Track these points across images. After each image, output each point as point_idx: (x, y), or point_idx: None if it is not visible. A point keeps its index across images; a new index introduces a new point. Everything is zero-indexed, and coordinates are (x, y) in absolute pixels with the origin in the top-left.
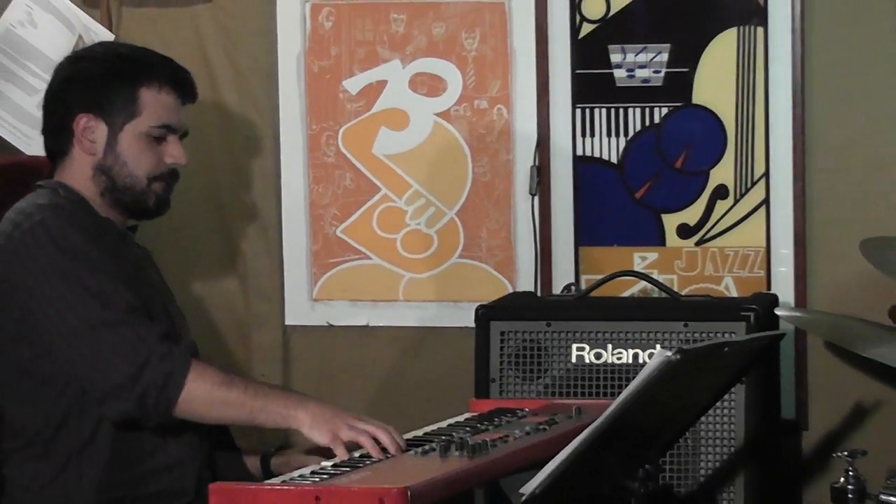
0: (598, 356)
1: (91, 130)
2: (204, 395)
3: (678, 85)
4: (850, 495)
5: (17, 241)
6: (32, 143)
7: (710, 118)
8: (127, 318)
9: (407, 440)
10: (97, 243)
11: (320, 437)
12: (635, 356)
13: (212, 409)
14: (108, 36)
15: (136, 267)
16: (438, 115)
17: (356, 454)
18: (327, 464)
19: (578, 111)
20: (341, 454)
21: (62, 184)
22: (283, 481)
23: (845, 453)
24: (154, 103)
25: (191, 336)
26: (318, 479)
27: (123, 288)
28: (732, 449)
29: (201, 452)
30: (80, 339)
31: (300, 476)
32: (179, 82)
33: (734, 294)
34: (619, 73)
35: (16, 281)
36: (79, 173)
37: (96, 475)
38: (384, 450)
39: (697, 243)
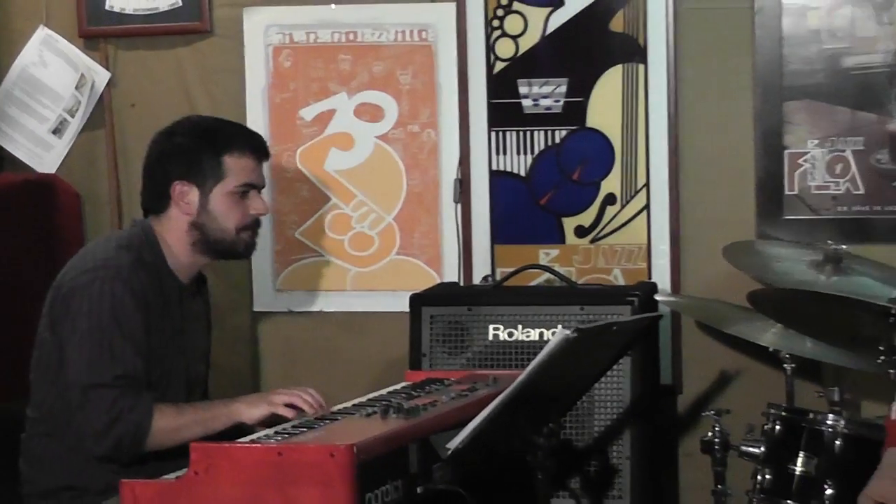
0: (510, 335)
1: (186, 194)
2: (167, 428)
3: (574, 112)
4: (716, 447)
5: (80, 288)
6: (43, 163)
7: (600, 139)
8: (114, 383)
9: (353, 405)
10: (146, 305)
11: (260, 412)
12: (541, 334)
13: (176, 435)
14: (105, 74)
15: (174, 331)
16: (378, 137)
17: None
18: (288, 425)
19: (493, 133)
20: (285, 412)
21: (149, 233)
22: (252, 440)
23: (712, 412)
24: (236, 167)
25: (205, 371)
26: (280, 438)
27: (133, 356)
28: (620, 409)
29: None
30: (77, 390)
31: (265, 435)
32: (255, 147)
33: (621, 283)
34: (526, 103)
35: (68, 317)
36: (175, 228)
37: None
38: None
39: (591, 241)
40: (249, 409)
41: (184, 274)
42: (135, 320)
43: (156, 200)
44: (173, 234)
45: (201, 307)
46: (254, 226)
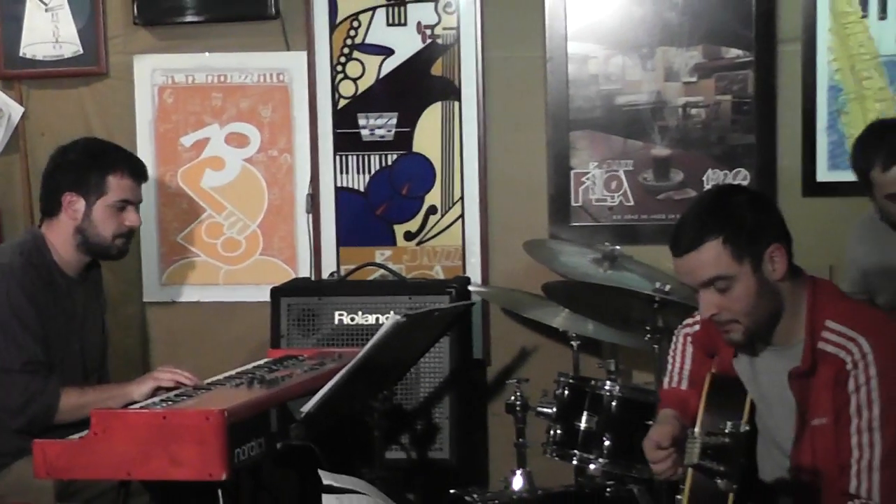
0: (352, 319)
1: (73, 203)
2: (72, 407)
3: (403, 139)
4: (517, 408)
5: None
6: None
7: (424, 161)
8: (22, 368)
9: (224, 377)
10: (37, 300)
11: (148, 387)
12: (377, 319)
13: (78, 413)
14: (20, 109)
15: (67, 318)
16: (245, 160)
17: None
18: (171, 394)
19: (338, 157)
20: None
21: (38, 239)
22: (141, 406)
23: (515, 380)
24: (117, 185)
25: (106, 351)
26: (164, 405)
27: (34, 343)
28: (441, 379)
29: None
30: None
31: (153, 402)
32: (134, 170)
33: (442, 277)
34: (365, 132)
35: None
36: (63, 232)
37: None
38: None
39: (417, 244)
40: (139, 388)
41: (70, 268)
42: (29, 313)
43: (49, 206)
44: (61, 236)
45: (91, 290)
46: (128, 234)
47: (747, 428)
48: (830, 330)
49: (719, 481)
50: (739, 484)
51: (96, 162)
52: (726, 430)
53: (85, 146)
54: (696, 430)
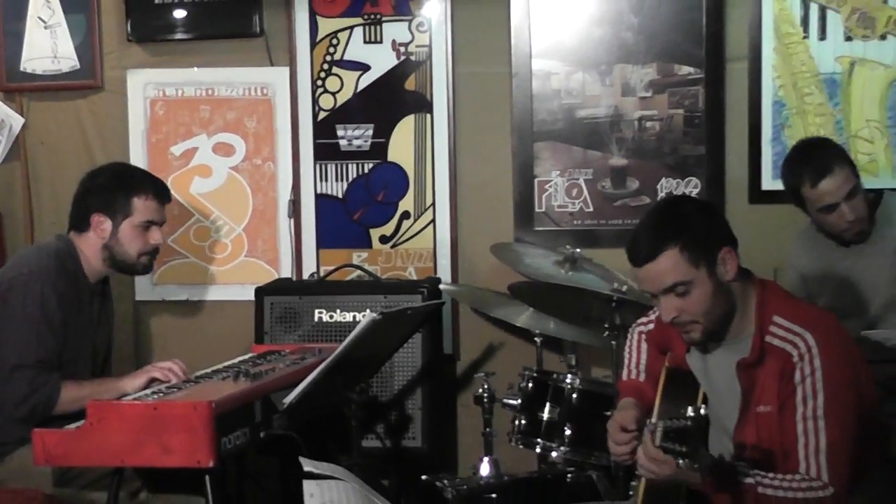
0: (331, 317)
1: (101, 223)
2: (71, 399)
3: (379, 149)
4: (485, 400)
5: (17, 287)
6: None
7: (398, 170)
8: (35, 364)
9: (212, 371)
10: (65, 303)
11: (140, 381)
12: (354, 317)
13: (78, 404)
14: (20, 120)
15: (85, 323)
16: (231, 168)
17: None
18: (162, 387)
19: (318, 165)
20: (159, 377)
21: (70, 246)
22: (135, 398)
23: (482, 374)
24: (142, 207)
25: (110, 354)
26: (155, 397)
27: (54, 345)
28: (414, 372)
29: None
30: (7, 368)
31: (145, 394)
32: (158, 192)
33: (415, 278)
34: (343, 142)
35: (5, 308)
36: (91, 247)
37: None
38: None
39: (392, 247)
40: (132, 381)
41: (93, 277)
42: (57, 316)
43: (79, 223)
44: (89, 250)
45: (106, 300)
46: (152, 252)
47: (708, 411)
48: (778, 325)
49: (681, 461)
50: (700, 463)
51: (123, 185)
52: (688, 415)
53: (112, 170)
54: (654, 419)
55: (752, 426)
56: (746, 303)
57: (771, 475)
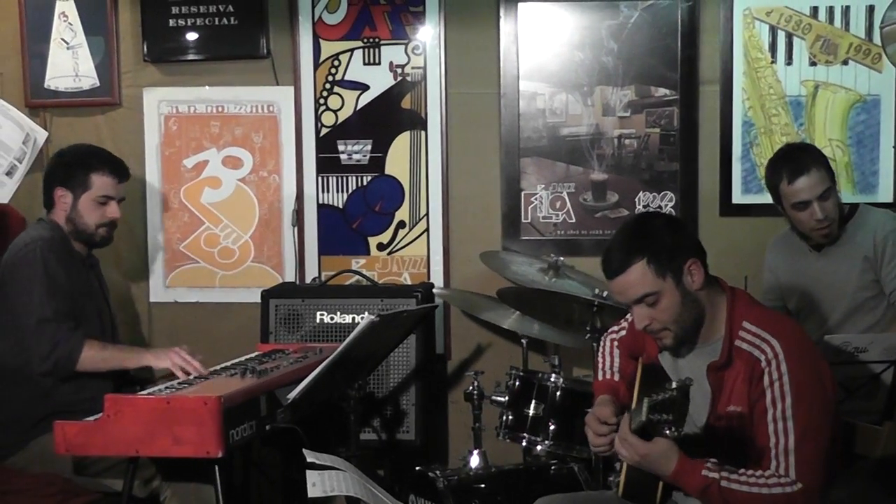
0: (332, 319)
1: (63, 197)
2: (93, 358)
3: (376, 163)
4: (474, 397)
5: (21, 258)
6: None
7: (395, 182)
8: (54, 317)
9: (220, 368)
10: (65, 267)
11: (163, 363)
12: (353, 319)
13: (97, 364)
14: (43, 134)
15: (86, 284)
16: (239, 180)
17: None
18: (174, 382)
19: (320, 178)
20: (181, 376)
21: (55, 223)
22: (149, 392)
23: (472, 373)
24: (99, 182)
25: (115, 320)
26: (168, 391)
27: (64, 299)
28: (408, 371)
29: (109, 390)
30: (29, 325)
31: (158, 389)
32: (115, 169)
33: (409, 283)
34: (343, 156)
35: (14, 278)
36: (59, 220)
37: (50, 397)
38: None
39: (388, 254)
40: (156, 359)
41: (79, 248)
42: (61, 275)
43: (47, 200)
44: (60, 223)
45: (98, 272)
46: (109, 224)
47: (692, 381)
48: (747, 330)
49: (667, 431)
50: (685, 428)
51: (83, 163)
52: (673, 387)
53: (76, 150)
54: (634, 405)
55: (722, 424)
56: (716, 309)
57: (740, 471)
